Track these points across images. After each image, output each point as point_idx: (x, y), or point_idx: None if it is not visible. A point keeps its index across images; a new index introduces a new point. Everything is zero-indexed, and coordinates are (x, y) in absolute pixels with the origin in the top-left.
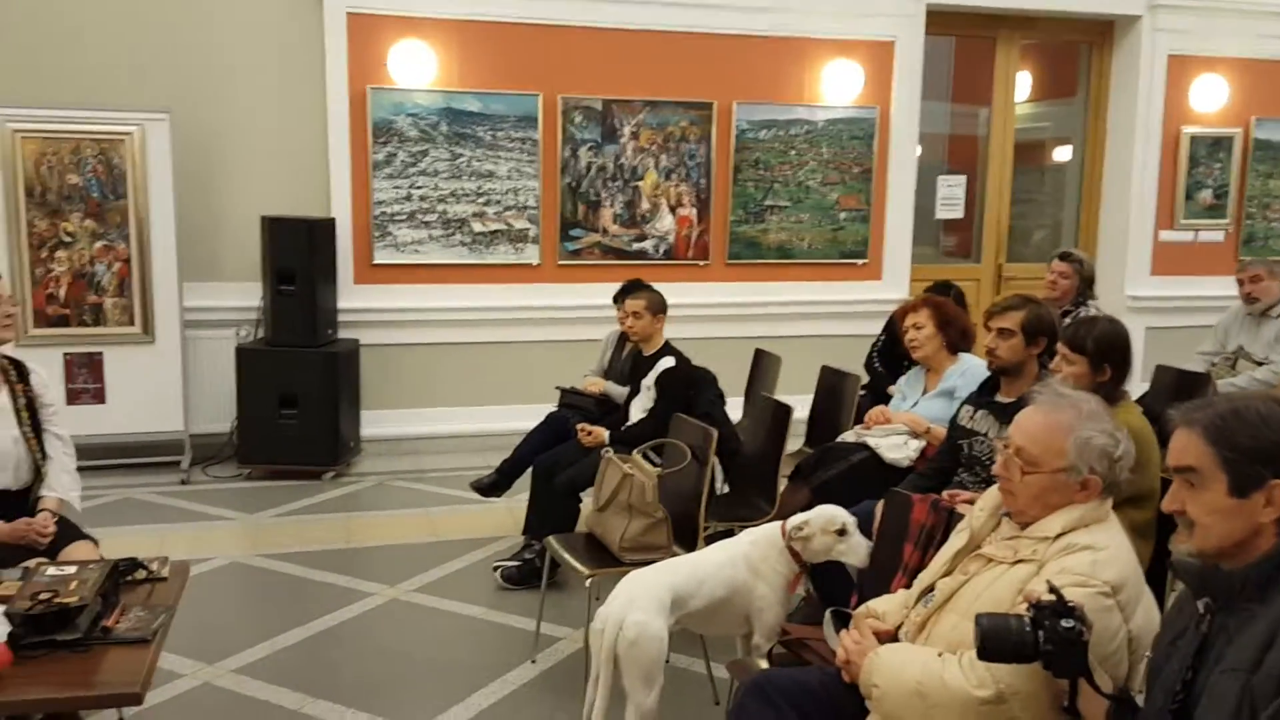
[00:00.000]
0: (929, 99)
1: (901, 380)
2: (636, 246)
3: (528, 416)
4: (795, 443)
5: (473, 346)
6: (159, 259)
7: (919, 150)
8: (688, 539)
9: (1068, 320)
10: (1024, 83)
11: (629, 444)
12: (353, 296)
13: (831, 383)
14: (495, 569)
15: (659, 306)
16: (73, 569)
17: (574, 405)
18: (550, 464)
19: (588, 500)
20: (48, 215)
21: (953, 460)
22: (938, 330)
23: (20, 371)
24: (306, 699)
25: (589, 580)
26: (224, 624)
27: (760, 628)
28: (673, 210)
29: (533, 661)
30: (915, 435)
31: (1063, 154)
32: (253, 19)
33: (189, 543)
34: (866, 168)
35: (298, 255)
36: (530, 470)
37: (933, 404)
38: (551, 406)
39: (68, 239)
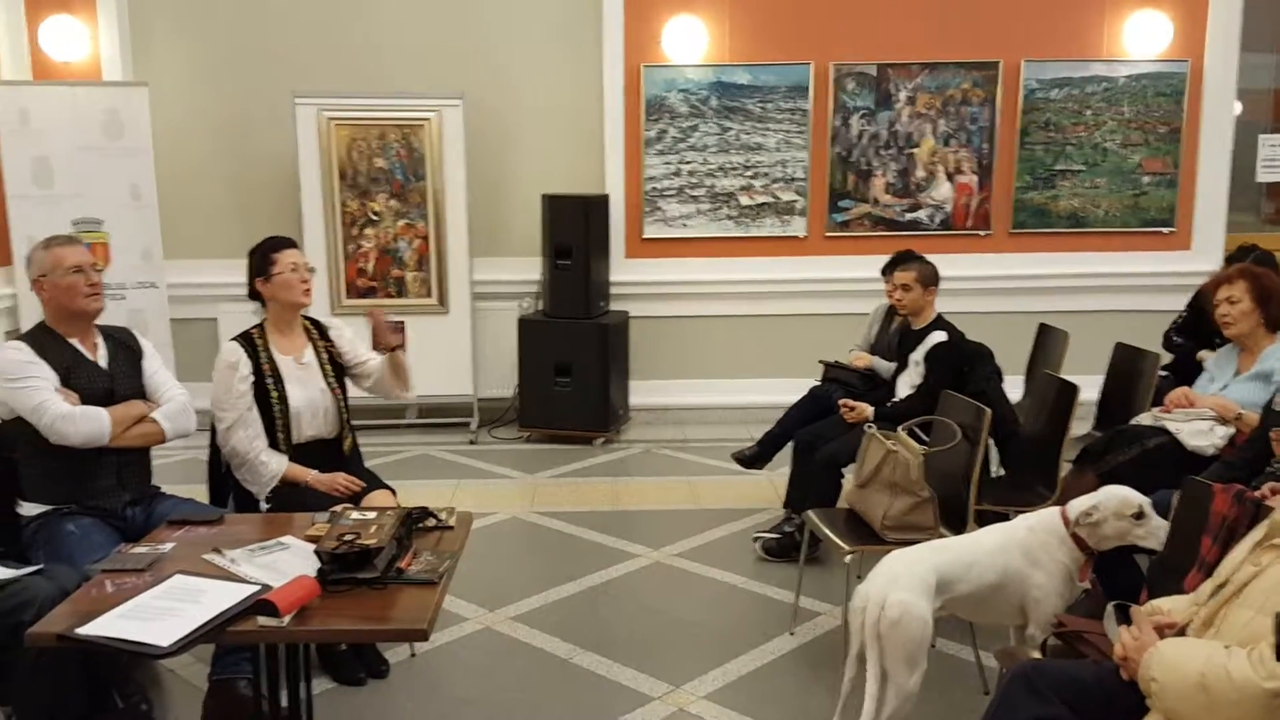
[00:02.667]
0: (1249, 50)
1: (1209, 360)
2: (910, 217)
3: (790, 390)
4: (1081, 426)
5: (737, 319)
6: (453, 236)
7: (1238, 108)
8: (956, 521)
9: None
10: None
11: (894, 420)
12: (624, 270)
13: (1127, 361)
14: (755, 540)
15: (930, 278)
16: (373, 514)
17: (838, 379)
18: (812, 438)
19: (850, 476)
20: (358, 196)
21: (1265, 449)
22: (1256, 305)
23: (320, 330)
24: (576, 650)
25: (849, 557)
26: (505, 574)
27: (1035, 618)
28: (950, 178)
29: (791, 634)
30: (1223, 421)
31: None
32: (536, 3)
33: (475, 497)
34: (1174, 127)
35: (574, 231)
36: (792, 444)
37: (1245, 387)
38: (815, 381)
39: (374, 218)
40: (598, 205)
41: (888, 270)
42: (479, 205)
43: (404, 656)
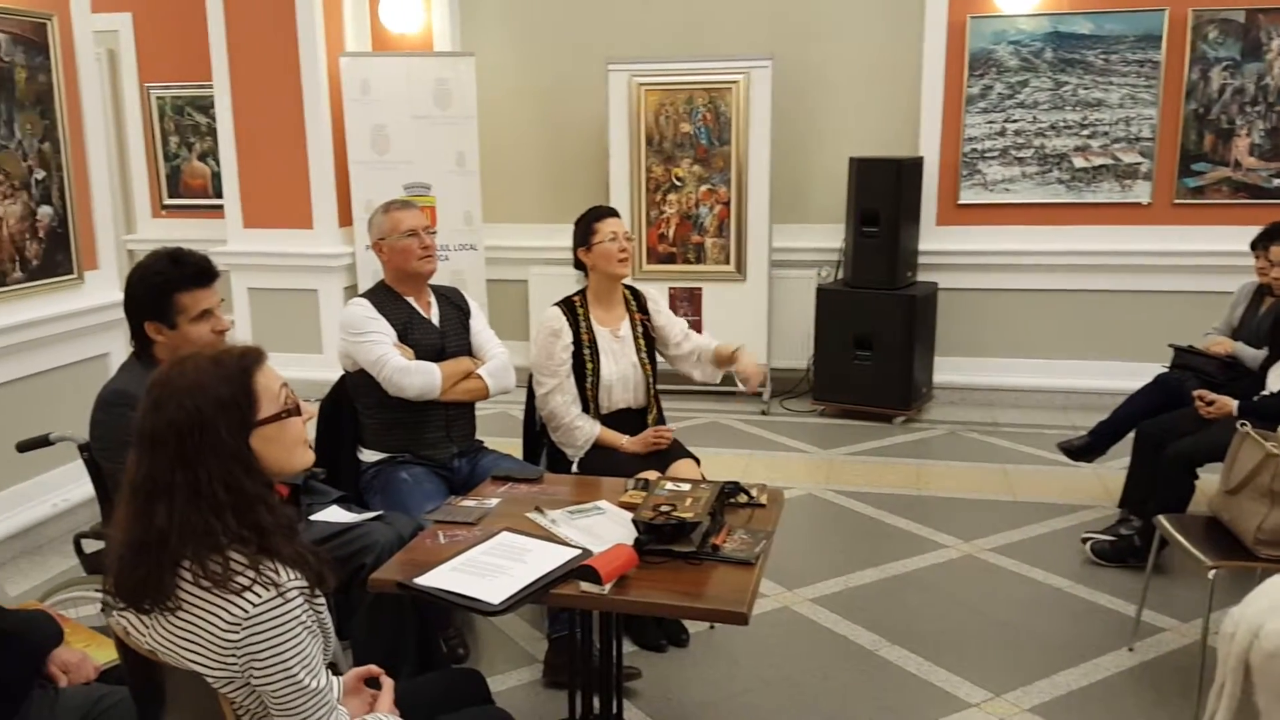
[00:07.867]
0: None
1: None
2: (1278, 182)
3: (1126, 376)
4: None
5: (1064, 294)
6: (754, 202)
7: None
8: None
9: None
10: None
11: (1266, 417)
12: (934, 238)
13: None
14: (1084, 540)
15: None
16: (686, 486)
17: (1191, 367)
18: (1159, 432)
19: (1205, 477)
20: (662, 161)
21: None
22: None
23: (639, 301)
24: (882, 641)
25: (1212, 572)
26: (801, 552)
27: None
28: None
29: (1130, 649)
30: None
31: None
32: None
33: (768, 469)
34: None
35: (883, 196)
36: (1133, 436)
37: None
38: (1160, 366)
39: (678, 183)
40: (910, 168)
41: (1260, 244)
42: (781, 170)
43: (703, 627)
